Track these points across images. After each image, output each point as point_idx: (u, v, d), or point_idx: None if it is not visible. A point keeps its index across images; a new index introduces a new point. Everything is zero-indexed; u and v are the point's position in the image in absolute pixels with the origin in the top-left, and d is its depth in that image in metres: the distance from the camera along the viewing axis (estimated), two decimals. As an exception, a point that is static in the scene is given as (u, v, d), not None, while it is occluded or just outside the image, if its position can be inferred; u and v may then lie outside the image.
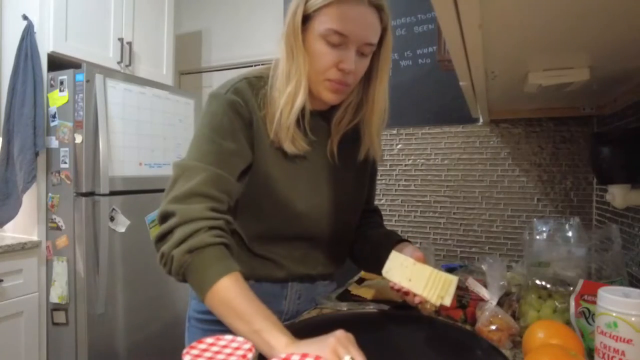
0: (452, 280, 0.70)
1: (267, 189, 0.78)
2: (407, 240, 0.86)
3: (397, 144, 1.72)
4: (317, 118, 0.82)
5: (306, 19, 0.72)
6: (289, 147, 0.76)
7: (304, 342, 0.57)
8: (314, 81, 0.75)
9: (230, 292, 0.61)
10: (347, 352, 0.54)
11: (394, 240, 0.84)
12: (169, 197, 0.68)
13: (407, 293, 0.74)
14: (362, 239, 0.93)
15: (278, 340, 0.57)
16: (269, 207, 0.79)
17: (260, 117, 0.76)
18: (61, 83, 1.86)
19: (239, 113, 0.74)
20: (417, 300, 0.72)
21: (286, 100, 0.74)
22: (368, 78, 0.81)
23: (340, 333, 0.56)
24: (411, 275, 0.72)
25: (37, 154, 1.82)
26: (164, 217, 0.67)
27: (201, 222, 0.64)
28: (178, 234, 0.64)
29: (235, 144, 0.73)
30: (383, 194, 1.74)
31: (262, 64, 0.80)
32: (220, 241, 0.65)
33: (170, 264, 0.64)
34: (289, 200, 0.79)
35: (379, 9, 0.71)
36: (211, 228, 0.65)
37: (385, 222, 1.03)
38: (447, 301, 0.69)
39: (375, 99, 0.81)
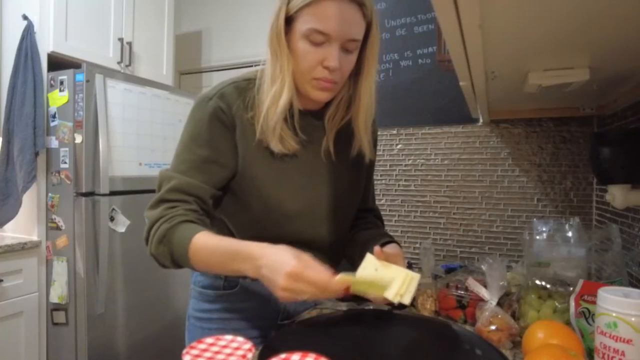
0: (413, 277, 0.69)
1: (255, 190, 0.79)
2: (394, 242, 0.84)
3: (397, 144, 1.72)
4: (309, 118, 0.82)
5: (289, 20, 0.73)
6: (276, 146, 0.76)
7: (261, 272, 0.63)
8: (301, 81, 0.76)
9: (201, 242, 0.69)
10: (298, 294, 0.60)
11: (379, 243, 0.82)
12: (147, 206, 0.77)
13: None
14: (354, 240, 0.92)
15: (245, 269, 0.66)
16: (258, 208, 0.80)
17: (247, 119, 0.77)
18: (61, 83, 1.86)
19: (220, 120, 0.76)
20: (371, 296, 0.72)
21: (271, 101, 0.75)
22: (356, 74, 0.81)
23: (281, 279, 0.60)
24: (380, 276, 0.71)
25: (37, 154, 1.82)
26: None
27: (160, 219, 0.73)
28: (150, 235, 0.74)
29: (211, 152, 0.76)
30: (383, 194, 1.74)
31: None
32: (178, 221, 0.72)
33: (157, 261, 0.74)
34: (278, 201, 0.80)
35: (360, 5, 0.71)
36: (168, 219, 0.72)
37: (385, 222, 1.03)
38: (406, 299, 0.67)
39: (362, 95, 0.81)
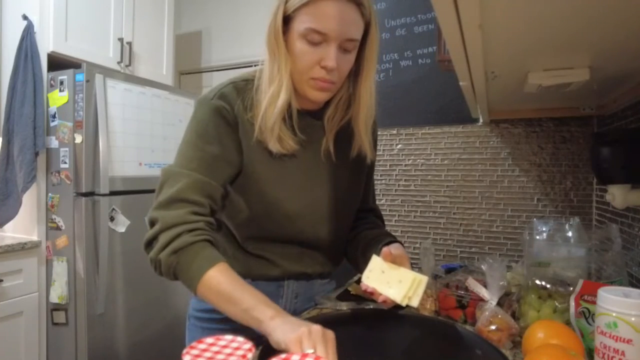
0: (422, 280, 0.69)
1: (255, 190, 0.79)
2: (396, 241, 0.84)
3: (397, 144, 1.72)
4: (308, 118, 0.82)
5: (287, 19, 0.73)
6: (274, 147, 0.76)
7: (288, 317, 0.62)
8: (299, 80, 0.75)
9: (216, 280, 0.66)
10: (312, 346, 0.55)
11: (382, 243, 0.83)
12: (154, 204, 0.73)
13: (372, 292, 0.73)
14: (354, 240, 0.92)
15: (264, 313, 0.62)
16: (259, 208, 0.80)
17: (247, 119, 0.77)
18: (61, 83, 1.86)
19: (224, 118, 0.76)
20: (381, 299, 0.72)
21: (269, 101, 0.74)
22: (356, 74, 0.81)
23: (316, 327, 0.58)
24: (387, 279, 0.71)
25: (37, 154, 1.82)
26: (150, 224, 0.72)
27: (182, 226, 0.69)
28: (162, 239, 0.69)
29: (219, 149, 0.75)
30: (383, 194, 1.74)
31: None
32: (201, 239, 0.69)
33: (159, 267, 0.70)
34: (278, 201, 0.79)
35: (358, 4, 0.71)
36: (192, 230, 0.69)
37: (385, 222, 1.03)
38: (414, 302, 0.68)
39: (361, 95, 0.80)
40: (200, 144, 0.75)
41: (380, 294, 0.71)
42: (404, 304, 0.68)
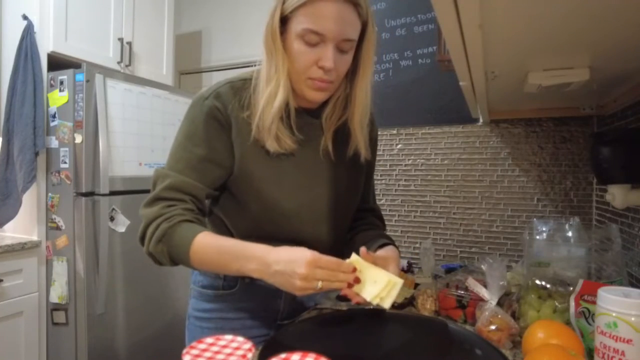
0: (396, 283, 0.69)
1: (252, 189, 0.79)
2: (390, 244, 0.84)
3: (397, 144, 1.72)
4: (306, 116, 0.82)
5: (285, 20, 0.73)
6: (272, 146, 0.76)
7: (271, 263, 0.65)
8: (296, 81, 0.76)
9: (201, 252, 0.71)
10: (316, 281, 0.63)
11: (376, 245, 0.82)
12: (142, 203, 0.77)
13: (345, 294, 0.72)
14: (352, 242, 0.92)
15: (249, 268, 0.67)
16: (255, 207, 0.80)
17: (243, 119, 0.77)
18: (61, 83, 1.86)
19: (216, 119, 0.77)
20: (354, 299, 0.70)
21: (266, 101, 0.75)
22: (353, 74, 0.81)
23: (302, 268, 0.62)
24: (362, 278, 0.70)
25: (37, 154, 1.82)
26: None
27: (159, 218, 0.73)
28: (148, 234, 0.74)
29: (207, 151, 0.76)
30: (383, 194, 1.74)
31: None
32: (177, 220, 0.73)
33: (155, 259, 0.74)
34: (275, 200, 0.80)
35: (355, 4, 0.71)
36: (168, 218, 0.73)
37: (385, 222, 1.02)
38: (386, 303, 0.67)
39: (357, 95, 0.81)
40: (188, 146, 0.77)
41: (357, 295, 0.70)
42: (374, 303, 0.68)
